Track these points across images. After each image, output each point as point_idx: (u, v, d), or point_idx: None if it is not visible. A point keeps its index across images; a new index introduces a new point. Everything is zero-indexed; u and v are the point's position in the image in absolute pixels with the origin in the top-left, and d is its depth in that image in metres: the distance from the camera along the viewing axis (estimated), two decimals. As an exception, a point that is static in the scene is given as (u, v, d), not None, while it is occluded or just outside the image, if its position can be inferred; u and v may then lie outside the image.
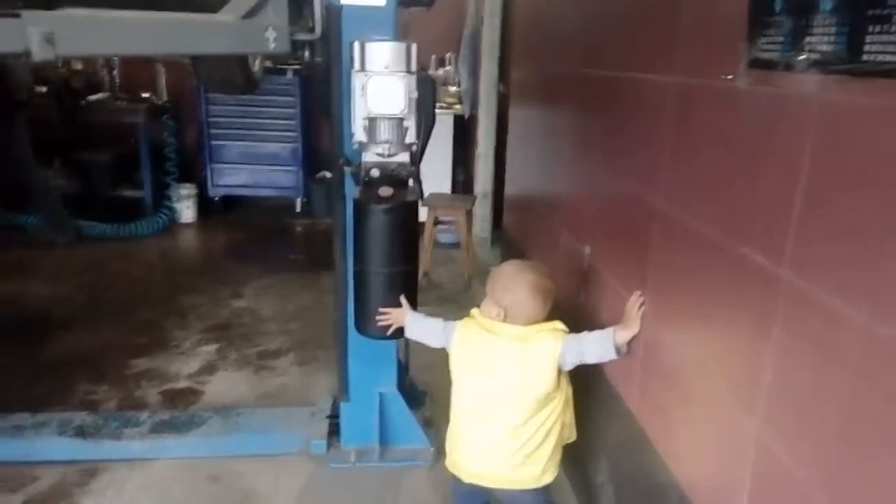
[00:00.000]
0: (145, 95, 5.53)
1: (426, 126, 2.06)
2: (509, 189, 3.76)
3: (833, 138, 0.97)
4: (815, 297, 1.00)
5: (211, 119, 5.56)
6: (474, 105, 5.01)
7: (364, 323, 2.20)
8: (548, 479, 1.84)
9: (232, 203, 6.01)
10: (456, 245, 4.93)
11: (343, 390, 2.54)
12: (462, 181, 5.63)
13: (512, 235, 3.61)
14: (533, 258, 3.00)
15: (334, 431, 2.65)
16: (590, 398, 2.02)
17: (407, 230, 2.11)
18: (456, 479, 1.93)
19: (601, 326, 2.08)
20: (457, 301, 4.07)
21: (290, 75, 5.51)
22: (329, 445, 2.60)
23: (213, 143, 5.64)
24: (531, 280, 1.79)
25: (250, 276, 4.50)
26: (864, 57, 0.89)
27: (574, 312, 2.33)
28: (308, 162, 5.91)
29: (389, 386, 2.55)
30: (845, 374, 0.94)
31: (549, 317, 1.81)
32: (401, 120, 1.98)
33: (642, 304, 1.66)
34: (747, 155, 1.20)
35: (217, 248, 5.34)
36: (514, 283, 1.80)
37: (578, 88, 2.34)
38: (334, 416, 2.71)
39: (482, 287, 4.47)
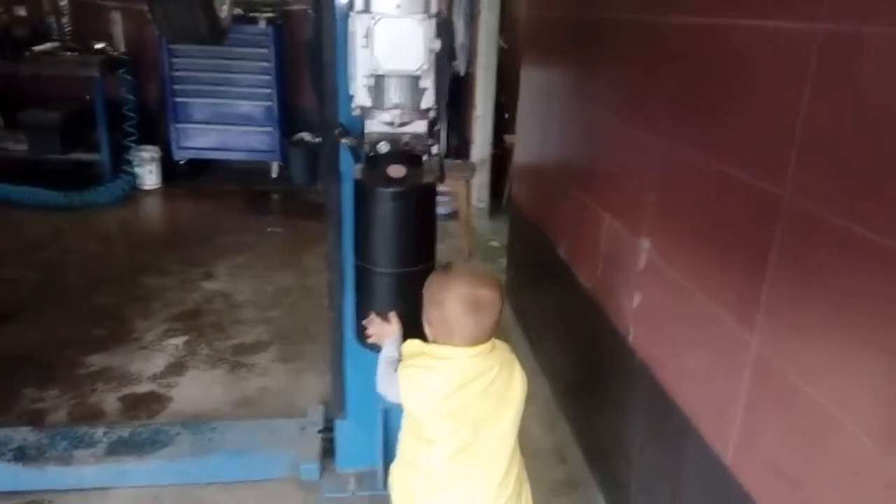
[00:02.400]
0: (99, 46, 4.92)
1: (447, 87, 1.59)
2: (520, 156, 3.30)
3: None
4: None
5: (175, 73, 4.98)
6: (470, 61, 4.50)
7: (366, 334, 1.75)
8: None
9: (199, 167, 5.46)
10: (452, 216, 4.48)
11: (340, 406, 2.12)
12: (456, 146, 5.15)
13: (524, 210, 3.17)
14: (557, 242, 2.58)
15: (328, 450, 2.25)
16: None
17: (423, 220, 1.65)
18: None
19: (661, 341, 1.70)
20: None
21: (262, 24, 4.93)
22: (322, 469, 2.19)
23: (178, 100, 5.07)
24: (459, 292, 1.38)
25: (222, 253, 4.01)
26: None
27: (621, 318, 1.92)
28: (285, 122, 5.36)
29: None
30: None
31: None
32: (417, 78, 1.50)
33: None
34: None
35: (184, 219, 4.81)
36: (439, 294, 1.41)
37: (640, 41, 1.87)
38: (328, 430, 2.29)
39: (483, 265, 4.09)
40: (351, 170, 1.76)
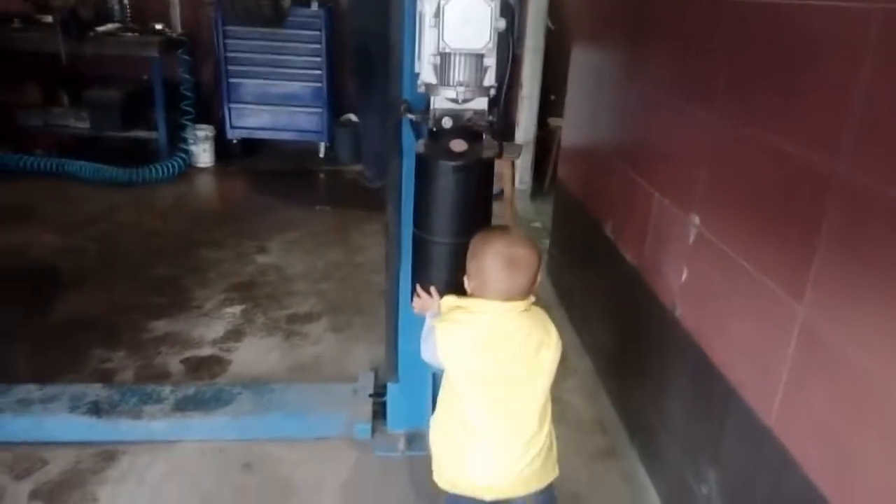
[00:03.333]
0: (158, 27, 5.09)
1: (509, 66, 1.67)
2: (568, 138, 3.35)
3: None
4: None
5: (229, 55, 5.11)
6: (518, 43, 4.54)
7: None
8: (556, 470, 1.63)
9: (251, 147, 5.62)
10: (496, 197, 4.54)
11: (392, 370, 2.23)
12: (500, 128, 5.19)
13: (569, 191, 3.22)
14: (604, 221, 2.64)
15: (379, 413, 2.36)
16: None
17: (482, 193, 1.74)
18: (457, 499, 1.63)
19: (708, 314, 1.76)
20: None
21: (315, 7, 5.04)
22: (374, 429, 2.31)
23: (232, 80, 5.21)
24: (497, 247, 1.49)
25: (274, 229, 4.16)
26: None
27: (668, 293, 1.99)
28: (333, 104, 5.48)
29: (444, 366, 2.23)
30: None
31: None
32: (481, 57, 1.58)
33: None
34: None
35: (237, 196, 4.98)
36: (479, 248, 1.52)
37: (695, 16, 1.92)
38: (379, 395, 2.41)
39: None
40: (412, 146, 1.86)
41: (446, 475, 1.62)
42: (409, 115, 1.73)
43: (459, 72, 1.59)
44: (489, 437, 1.54)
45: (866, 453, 1.17)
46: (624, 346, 2.44)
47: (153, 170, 4.92)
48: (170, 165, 5.00)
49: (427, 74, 1.62)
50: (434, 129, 1.68)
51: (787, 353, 1.38)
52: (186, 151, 5.15)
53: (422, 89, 1.66)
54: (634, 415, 2.29)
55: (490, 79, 1.63)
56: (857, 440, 1.19)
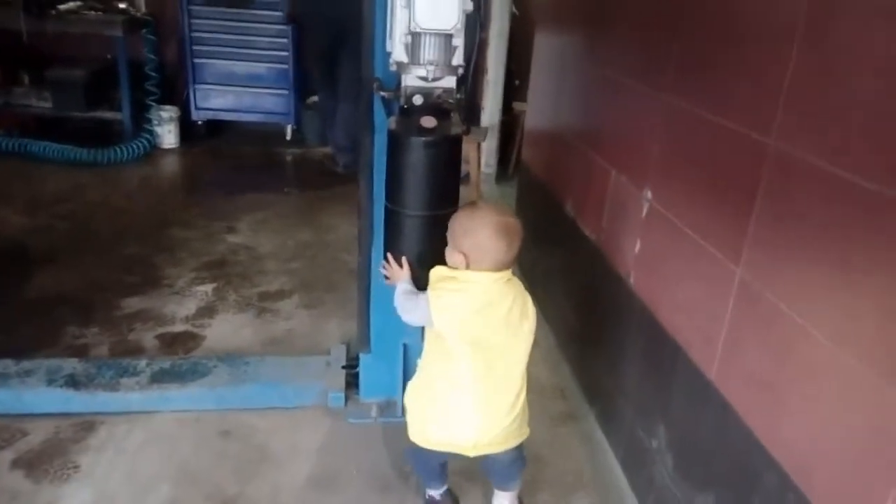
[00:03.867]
0: (122, 6, 5.03)
1: (476, 46, 1.77)
2: (531, 122, 3.47)
3: None
4: None
5: (194, 34, 5.10)
6: (483, 27, 4.63)
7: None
8: (527, 429, 1.79)
9: (216, 128, 5.62)
10: (463, 180, 4.65)
11: (364, 341, 2.33)
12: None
13: (532, 173, 3.35)
14: (565, 200, 2.77)
15: (351, 383, 2.46)
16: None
17: (450, 168, 1.84)
18: (419, 451, 1.77)
19: (658, 281, 1.90)
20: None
21: (281, -12, 5.05)
22: (347, 399, 2.41)
23: (197, 61, 5.20)
24: (491, 220, 1.60)
25: (243, 209, 4.20)
26: None
27: (623, 264, 2.13)
28: (299, 85, 5.50)
29: (414, 336, 2.33)
30: None
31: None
32: (450, 37, 1.68)
33: None
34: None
35: (204, 177, 4.99)
36: (472, 224, 1.61)
37: (651, 2, 2.05)
38: (351, 367, 2.51)
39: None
40: (383, 123, 1.95)
41: (429, 434, 1.73)
42: (381, 93, 1.82)
43: (429, 51, 1.68)
44: (479, 396, 1.65)
45: (791, 394, 1.32)
46: (583, 318, 2.58)
47: (118, 150, 4.90)
48: (135, 146, 4.98)
49: (399, 53, 1.71)
50: (405, 107, 1.77)
51: (727, 312, 1.53)
52: (151, 132, 5.14)
53: (393, 68, 1.75)
54: (593, 381, 2.44)
55: (458, 58, 1.73)
56: (784, 384, 1.34)
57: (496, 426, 1.68)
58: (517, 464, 1.86)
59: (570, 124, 2.82)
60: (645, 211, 1.99)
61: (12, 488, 1.97)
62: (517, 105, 4.91)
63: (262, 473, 2.09)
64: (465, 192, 4.46)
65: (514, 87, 4.92)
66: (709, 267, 1.60)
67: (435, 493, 1.94)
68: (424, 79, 1.73)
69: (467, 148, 4.09)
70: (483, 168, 4.86)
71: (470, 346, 1.62)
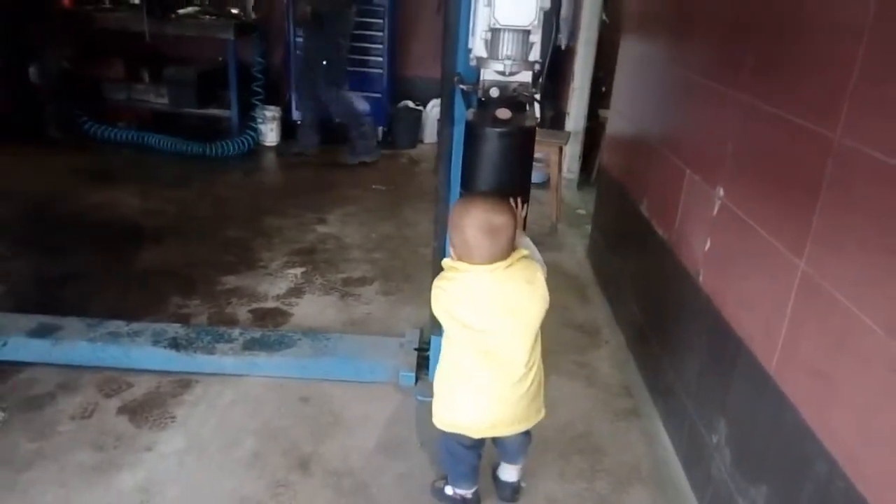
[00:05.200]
0: (234, 12, 5.44)
1: (551, 43, 1.87)
2: (612, 127, 3.51)
3: None
4: None
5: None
6: (572, 35, 4.70)
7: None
8: (542, 412, 1.82)
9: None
10: (542, 185, 4.73)
11: (436, 324, 2.45)
12: (550, 117, 5.36)
13: (611, 175, 3.39)
14: (640, 201, 2.80)
15: (423, 364, 2.60)
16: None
17: (524, 159, 1.94)
18: (458, 438, 1.83)
19: (725, 277, 1.92)
20: (542, 244, 3.87)
21: (379, -2, 5.32)
22: (417, 378, 2.55)
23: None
24: (476, 217, 1.61)
25: (333, 203, 4.46)
26: None
27: (693, 262, 2.16)
28: (392, 90, 5.74)
29: (484, 322, 2.44)
30: None
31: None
32: (527, 33, 1.79)
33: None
34: None
35: (300, 173, 5.29)
36: (459, 221, 1.63)
37: (730, 5, 2.08)
38: (423, 350, 2.65)
39: (570, 230, 4.33)
40: (462, 115, 2.08)
41: (441, 415, 1.82)
42: (461, 86, 1.95)
43: (507, 46, 1.80)
44: (479, 381, 1.71)
45: (844, 384, 1.33)
46: (652, 317, 2.61)
47: (224, 145, 5.29)
48: (240, 142, 5.36)
49: (479, 49, 1.83)
50: (482, 99, 1.89)
51: (788, 305, 1.55)
52: (255, 130, 5.50)
53: (473, 63, 1.88)
54: (658, 379, 2.46)
55: (535, 54, 1.84)
56: (837, 374, 1.36)
57: (500, 411, 1.73)
58: (523, 442, 1.91)
59: (649, 127, 2.86)
60: (716, 209, 2.01)
61: (117, 430, 2.22)
62: (603, 112, 4.93)
63: (335, 436, 2.25)
64: (545, 196, 4.57)
65: (601, 95, 4.95)
66: (773, 261, 1.62)
67: (465, 492, 1.96)
68: (502, 73, 1.85)
69: (548, 151, 4.16)
70: (565, 173, 4.91)
71: (467, 333, 1.67)
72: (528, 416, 1.78)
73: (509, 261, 1.64)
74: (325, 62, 4.82)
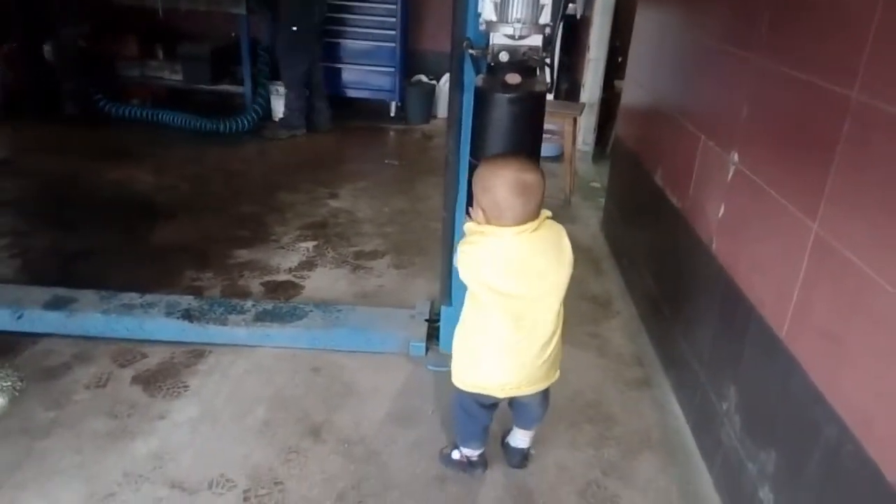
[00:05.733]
0: (245, -13, 5.40)
1: (562, 5, 1.83)
2: (628, 96, 3.46)
3: None
4: None
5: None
6: (588, 4, 4.62)
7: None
8: (557, 373, 1.82)
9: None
10: (556, 158, 4.68)
11: (446, 294, 2.45)
12: (565, 89, 5.29)
13: (628, 147, 3.34)
14: (654, 170, 2.76)
15: (433, 335, 2.60)
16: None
17: (534, 125, 1.91)
18: (478, 398, 1.82)
19: (738, 243, 1.89)
20: (557, 216, 3.80)
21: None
22: (428, 348, 2.55)
23: (312, 39, 5.48)
24: (507, 177, 1.56)
25: (346, 178, 4.45)
26: None
27: (706, 230, 2.12)
28: (405, 65, 5.70)
29: (494, 292, 2.43)
30: None
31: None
32: (538, -6, 1.75)
33: None
34: None
35: (312, 147, 5.29)
36: (489, 181, 1.58)
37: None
38: (433, 321, 2.65)
39: (584, 203, 4.29)
40: (471, 81, 2.05)
41: (463, 377, 1.81)
42: (470, 51, 1.92)
43: (517, 9, 1.76)
44: (510, 342, 1.70)
45: (856, 346, 1.31)
46: (664, 287, 2.58)
47: (231, 122, 5.26)
48: (246, 118, 5.31)
49: (488, 12, 1.80)
50: (492, 64, 1.86)
51: (801, 268, 1.52)
52: (262, 104, 5.43)
53: (483, 27, 1.84)
54: (669, 349, 2.44)
55: (546, 17, 1.80)
56: (849, 336, 1.33)
57: (524, 371, 1.73)
58: (543, 405, 1.91)
59: (664, 95, 2.81)
60: (731, 174, 1.98)
61: (131, 399, 2.25)
62: (618, 83, 4.85)
63: (347, 406, 2.26)
64: (559, 168, 4.52)
65: (617, 66, 4.87)
66: (786, 224, 1.59)
67: (473, 453, 1.97)
68: (511, 37, 1.81)
69: (563, 123, 4.11)
70: (580, 146, 4.85)
71: (496, 297, 1.65)
72: (549, 375, 1.79)
73: (537, 222, 1.61)
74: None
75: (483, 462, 2.00)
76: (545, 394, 1.87)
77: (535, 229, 1.61)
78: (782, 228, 1.62)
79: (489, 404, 1.86)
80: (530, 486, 1.99)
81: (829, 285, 1.41)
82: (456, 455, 2.00)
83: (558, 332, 1.73)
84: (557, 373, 1.82)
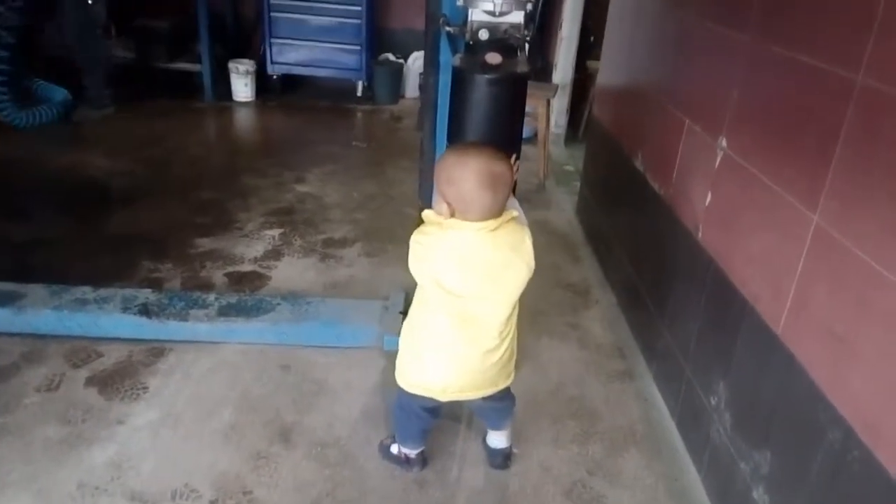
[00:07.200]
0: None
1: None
2: (604, 77, 3.36)
3: None
4: None
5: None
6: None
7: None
8: (511, 377, 1.74)
9: (290, 83, 5.71)
10: (528, 140, 4.58)
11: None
12: (538, 69, 5.18)
13: (605, 130, 3.25)
14: (635, 154, 2.68)
15: (407, 328, 2.49)
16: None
17: (515, 108, 1.80)
18: (420, 400, 1.73)
19: (728, 233, 1.82)
20: (530, 201, 3.77)
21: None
22: (402, 342, 2.44)
23: (273, 14, 5.27)
24: (476, 168, 1.45)
25: (312, 161, 4.29)
26: None
27: (692, 217, 2.05)
28: (371, 43, 5.52)
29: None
30: None
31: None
32: (519, -31, 1.64)
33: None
34: None
35: (276, 129, 5.10)
36: (456, 172, 1.47)
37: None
38: (407, 312, 2.53)
39: (558, 188, 4.21)
40: (448, 61, 1.92)
41: (406, 376, 1.71)
42: (447, 28, 1.80)
43: (497, -17, 1.65)
44: (451, 344, 1.60)
45: (864, 345, 1.24)
46: (646, 276, 2.51)
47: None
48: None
49: (466, -13, 1.68)
50: (471, 43, 1.74)
51: (799, 262, 1.45)
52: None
53: (460, 2, 1.72)
54: (652, 340, 2.38)
55: (527, -8, 1.69)
56: (856, 335, 1.26)
57: (467, 375, 1.64)
58: (504, 406, 1.83)
59: (644, 75, 2.72)
60: (718, 160, 1.90)
61: (86, 403, 2.10)
62: (591, 64, 4.77)
63: (318, 405, 2.15)
64: (532, 152, 4.42)
65: (589, 46, 4.77)
66: (783, 215, 1.52)
67: (410, 451, 1.89)
68: (492, 13, 1.70)
69: (536, 104, 4.01)
70: (552, 128, 4.76)
71: (442, 295, 1.55)
72: (497, 381, 1.69)
73: (498, 221, 1.50)
74: None
75: (421, 460, 1.91)
76: (503, 395, 1.77)
77: (495, 229, 1.50)
78: (778, 219, 1.54)
79: (430, 407, 1.76)
80: (514, 487, 1.90)
81: (832, 279, 1.34)
82: (395, 449, 1.92)
83: (509, 339, 1.64)
84: (510, 379, 1.72)
